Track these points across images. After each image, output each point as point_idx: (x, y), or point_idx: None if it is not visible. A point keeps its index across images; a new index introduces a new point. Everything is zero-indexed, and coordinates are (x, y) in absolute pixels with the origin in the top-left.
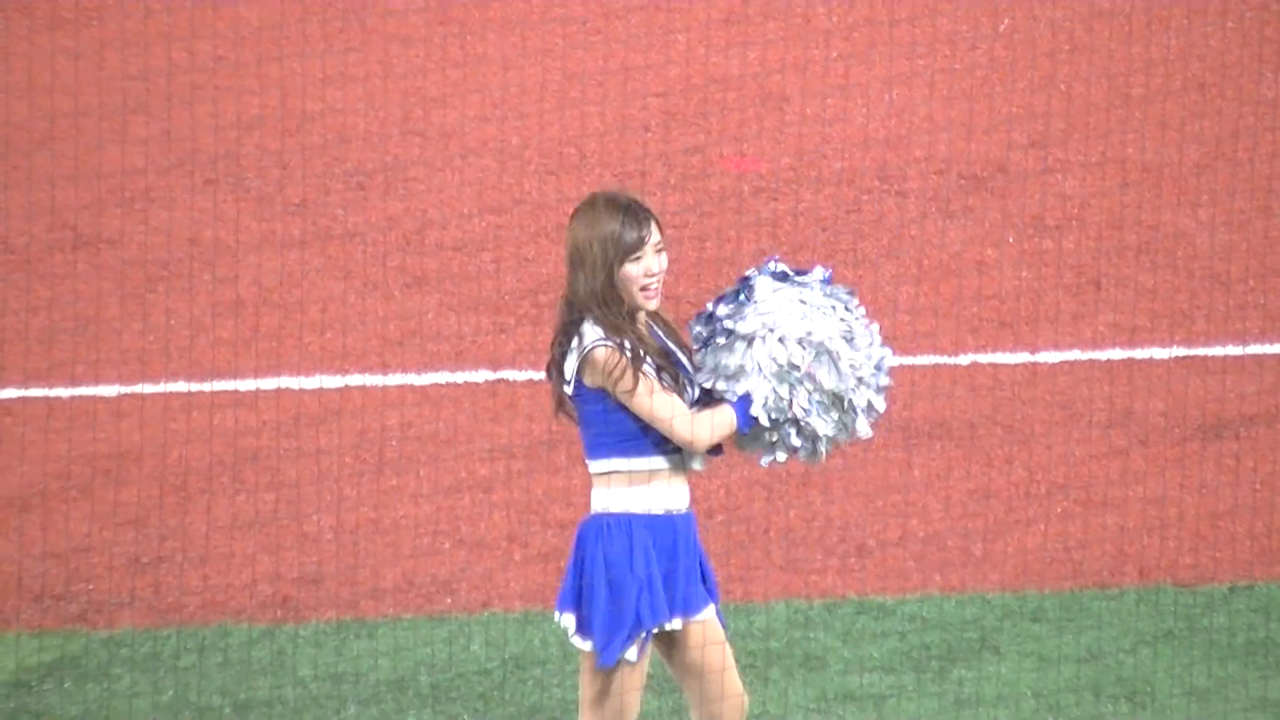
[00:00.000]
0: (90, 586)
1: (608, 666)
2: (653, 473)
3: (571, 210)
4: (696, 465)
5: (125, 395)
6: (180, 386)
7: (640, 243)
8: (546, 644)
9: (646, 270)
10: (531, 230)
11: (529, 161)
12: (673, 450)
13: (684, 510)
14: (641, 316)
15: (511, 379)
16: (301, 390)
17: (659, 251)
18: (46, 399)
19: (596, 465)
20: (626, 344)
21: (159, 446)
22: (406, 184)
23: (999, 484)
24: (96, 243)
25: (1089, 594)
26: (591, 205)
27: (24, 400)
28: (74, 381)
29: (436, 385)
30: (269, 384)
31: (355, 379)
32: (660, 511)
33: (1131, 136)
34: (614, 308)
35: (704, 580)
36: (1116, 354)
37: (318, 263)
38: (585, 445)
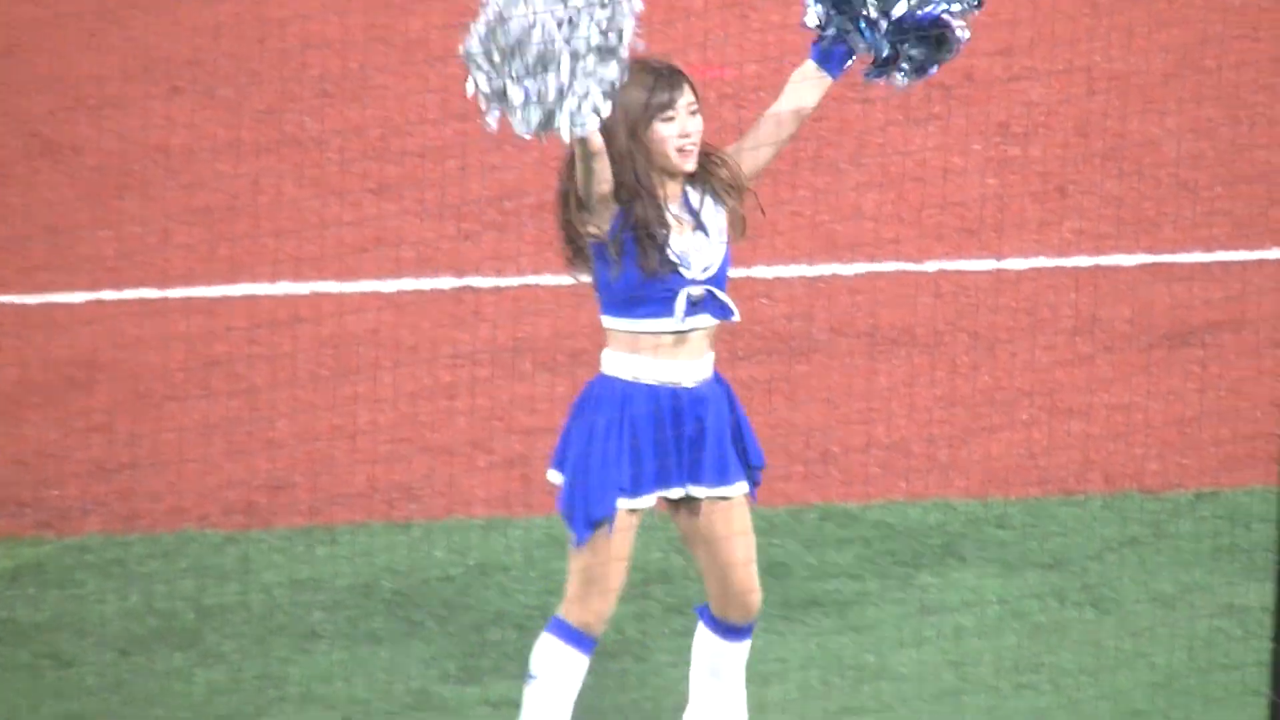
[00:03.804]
0: (55, 493)
1: (579, 545)
2: (637, 337)
3: None
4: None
5: (91, 302)
6: (146, 293)
7: (671, 102)
8: (510, 550)
9: (681, 130)
10: (497, 138)
11: None
12: (660, 315)
13: (685, 385)
14: (675, 188)
15: (477, 286)
16: (267, 296)
17: (693, 113)
18: (13, 305)
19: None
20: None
21: (125, 353)
22: (372, 91)
23: (964, 391)
24: (63, 150)
25: (1054, 501)
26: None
27: None
28: (40, 288)
29: (401, 292)
30: (234, 290)
31: (320, 285)
32: (651, 382)
33: (1098, 44)
34: (635, 174)
35: (743, 459)
36: (1083, 261)
37: (283, 169)
38: None
